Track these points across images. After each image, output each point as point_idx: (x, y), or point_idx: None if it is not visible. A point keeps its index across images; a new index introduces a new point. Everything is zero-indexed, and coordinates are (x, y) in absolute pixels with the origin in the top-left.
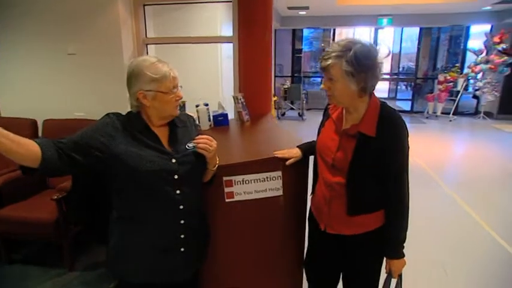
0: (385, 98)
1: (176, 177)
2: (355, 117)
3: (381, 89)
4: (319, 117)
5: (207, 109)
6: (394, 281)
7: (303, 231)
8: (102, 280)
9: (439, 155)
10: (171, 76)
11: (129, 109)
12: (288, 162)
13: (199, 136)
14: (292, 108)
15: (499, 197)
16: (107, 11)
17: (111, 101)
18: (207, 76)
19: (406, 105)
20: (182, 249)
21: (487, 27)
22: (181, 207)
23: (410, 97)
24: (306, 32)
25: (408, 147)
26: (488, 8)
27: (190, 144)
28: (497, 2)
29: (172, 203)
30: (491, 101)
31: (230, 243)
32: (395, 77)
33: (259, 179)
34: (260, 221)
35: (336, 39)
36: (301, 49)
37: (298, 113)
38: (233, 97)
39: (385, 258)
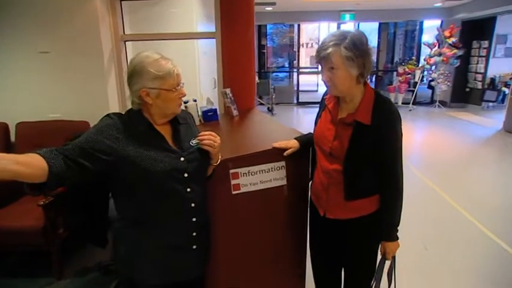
0: None
1: (186, 175)
2: (350, 106)
3: None
4: (288, 111)
5: (196, 105)
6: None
7: (305, 218)
8: (96, 284)
9: (404, 142)
10: (175, 73)
11: (111, 109)
12: (285, 153)
13: (203, 133)
14: (261, 103)
15: (460, 176)
16: (83, 7)
17: (91, 101)
18: (185, 72)
19: None
20: (194, 247)
21: (438, 22)
22: (192, 205)
23: None
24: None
25: (401, 134)
26: (439, 4)
27: (194, 141)
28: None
29: (184, 202)
30: (445, 90)
31: (237, 234)
32: None
33: (264, 170)
34: (266, 211)
35: (301, 34)
36: (265, 45)
37: (268, 108)
38: (221, 92)
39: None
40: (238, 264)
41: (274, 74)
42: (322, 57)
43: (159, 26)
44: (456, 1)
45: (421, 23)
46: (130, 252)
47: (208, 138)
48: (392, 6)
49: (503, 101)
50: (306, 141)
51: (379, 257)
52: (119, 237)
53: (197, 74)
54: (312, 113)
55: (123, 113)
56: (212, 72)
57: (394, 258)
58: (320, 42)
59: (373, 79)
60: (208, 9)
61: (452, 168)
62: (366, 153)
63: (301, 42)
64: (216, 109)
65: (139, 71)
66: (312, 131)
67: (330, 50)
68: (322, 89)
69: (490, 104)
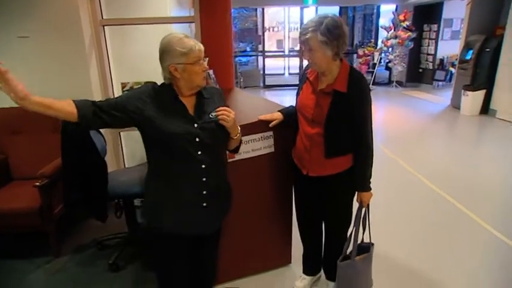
0: None
1: (197, 139)
2: (329, 78)
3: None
4: (255, 94)
5: None
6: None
7: (291, 180)
8: (96, 258)
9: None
10: (197, 49)
11: (94, 94)
12: (271, 125)
13: (219, 108)
14: None
15: (416, 147)
16: None
17: (73, 86)
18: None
19: None
20: (204, 204)
21: (393, 6)
22: (203, 166)
23: None
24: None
25: (371, 101)
26: None
27: (213, 114)
28: None
29: (195, 162)
30: (401, 71)
31: (234, 198)
32: None
33: (255, 139)
34: (257, 176)
35: (265, 18)
36: None
37: None
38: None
39: (356, 192)
40: (235, 224)
41: (238, 58)
42: (302, 41)
43: (132, 10)
44: None
45: (378, 7)
46: (152, 200)
47: (222, 113)
48: None
49: (450, 79)
50: (289, 113)
51: (354, 209)
52: (146, 186)
53: None
54: (279, 96)
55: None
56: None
57: (368, 207)
58: (301, 28)
59: None
60: None
61: (409, 141)
62: (343, 117)
63: (266, 26)
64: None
65: (167, 49)
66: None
67: (308, 35)
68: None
69: (440, 82)
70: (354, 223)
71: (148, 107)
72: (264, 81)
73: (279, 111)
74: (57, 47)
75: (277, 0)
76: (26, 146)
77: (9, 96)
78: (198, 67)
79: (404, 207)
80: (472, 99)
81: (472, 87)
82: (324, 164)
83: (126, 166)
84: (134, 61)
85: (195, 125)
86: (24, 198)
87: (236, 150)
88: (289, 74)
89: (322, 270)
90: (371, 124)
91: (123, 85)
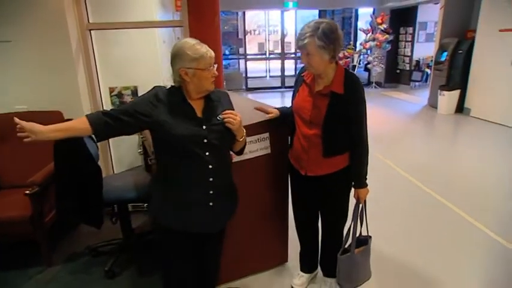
0: (290, 76)
1: (205, 141)
2: (325, 80)
3: (288, 68)
4: (236, 96)
5: None
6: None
7: (286, 180)
8: (90, 266)
9: None
10: (208, 56)
11: (82, 98)
12: (267, 116)
13: (226, 111)
14: None
15: (397, 145)
16: None
17: (61, 91)
18: (147, 60)
19: None
20: (211, 204)
21: (371, 9)
22: (210, 166)
23: None
24: None
25: (365, 101)
26: None
27: (220, 116)
28: None
29: (203, 163)
30: (379, 72)
31: None
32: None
33: (252, 141)
34: (255, 177)
35: (246, 21)
36: None
37: None
38: None
39: (353, 189)
40: (234, 225)
41: None
42: (300, 46)
43: (118, 15)
44: None
45: (356, 11)
46: (160, 202)
47: (228, 115)
48: None
49: (426, 80)
50: (285, 112)
51: (351, 205)
52: (153, 188)
53: (160, 62)
54: (262, 98)
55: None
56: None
57: (364, 203)
58: (298, 33)
59: None
60: None
61: (390, 139)
62: (340, 117)
63: (247, 30)
64: None
65: (180, 54)
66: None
67: (306, 40)
68: (272, 74)
69: (417, 83)
70: (352, 218)
71: (158, 110)
72: (246, 84)
73: (276, 108)
74: (44, 51)
75: (258, 4)
76: (14, 153)
77: (31, 138)
78: (207, 73)
79: (389, 201)
80: (448, 99)
81: (448, 87)
82: (321, 163)
83: (115, 172)
84: (121, 65)
85: (203, 127)
86: (14, 207)
87: (241, 152)
88: (270, 76)
89: (319, 268)
90: (366, 124)
91: (111, 90)
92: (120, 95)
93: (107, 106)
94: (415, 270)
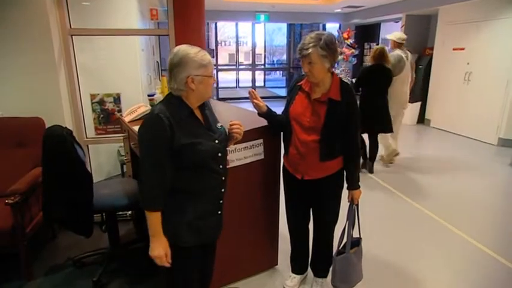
0: (259, 87)
1: (220, 155)
2: (322, 89)
3: (258, 79)
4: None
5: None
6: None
7: (278, 185)
8: (74, 278)
9: None
10: (212, 63)
11: (64, 105)
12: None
13: (233, 122)
14: None
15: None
16: None
17: (42, 97)
18: (128, 68)
19: (281, 92)
20: (219, 212)
21: (337, 25)
22: (223, 178)
23: (284, 84)
24: None
25: (358, 108)
26: (339, 10)
27: (219, 125)
28: (345, 6)
29: (218, 176)
30: None
31: (227, 204)
32: (271, 66)
33: (247, 147)
34: (249, 182)
35: (218, 32)
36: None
37: None
38: None
39: (347, 192)
40: (226, 229)
41: None
42: (304, 55)
43: (97, 21)
44: (351, 8)
45: (324, 26)
46: (176, 221)
47: (237, 127)
48: (300, 10)
49: None
50: (272, 112)
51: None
52: (167, 204)
53: (139, 70)
54: None
55: (160, 99)
56: (148, 69)
57: (357, 206)
58: (301, 43)
59: (286, 75)
60: (141, 5)
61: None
62: (337, 123)
63: (218, 40)
64: None
65: (186, 61)
66: None
67: (310, 50)
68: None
69: None
70: (347, 218)
71: (175, 139)
72: (217, 94)
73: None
74: (24, 57)
75: (230, 16)
76: None
77: None
78: (212, 80)
79: (363, 204)
80: (411, 111)
81: (410, 99)
82: (318, 167)
83: (94, 181)
84: (103, 72)
85: (216, 141)
86: None
87: None
88: (239, 87)
89: (309, 268)
90: (359, 130)
91: (93, 96)
92: (101, 102)
93: (88, 113)
94: (400, 270)
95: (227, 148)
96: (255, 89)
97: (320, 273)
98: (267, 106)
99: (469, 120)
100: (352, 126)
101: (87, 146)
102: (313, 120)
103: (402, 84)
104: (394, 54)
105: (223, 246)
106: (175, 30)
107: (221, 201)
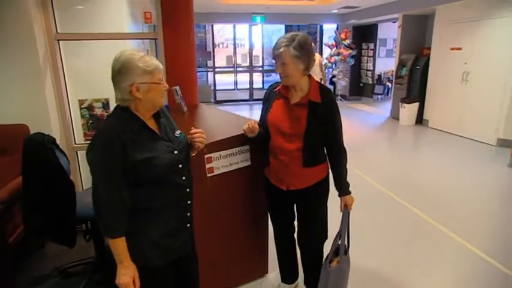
0: (257, 89)
1: (180, 166)
2: (300, 93)
3: (256, 81)
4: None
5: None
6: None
7: (263, 191)
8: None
9: None
10: (160, 68)
11: (50, 111)
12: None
13: (194, 130)
14: None
15: (363, 154)
16: (12, 1)
17: (27, 103)
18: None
19: None
20: (188, 225)
21: (334, 26)
22: (187, 190)
23: None
24: None
25: (339, 110)
26: (336, 11)
27: (177, 132)
28: (341, 7)
29: (181, 188)
30: (344, 86)
31: (213, 213)
32: (270, 68)
33: (233, 153)
34: (235, 189)
35: (215, 34)
36: None
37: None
38: (172, 90)
39: (339, 200)
40: (214, 238)
41: None
42: (276, 55)
43: (86, 25)
44: (348, 9)
45: (321, 26)
46: (141, 242)
47: (199, 135)
48: (297, 11)
49: (388, 93)
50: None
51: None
52: (131, 228)
53: None
54: (231, 111)
55: (109, 113)
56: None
57: (348, 214)
58: (274, 43)
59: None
60: (133, 8)
61: (357, 149)
62: (320, 127)
63: (216, 43)
64: (168, 106)
65: (128, 67)
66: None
67: (281, 49)
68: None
69: (379, 96)
70: (341, 225)
71: (128, 155)
72: (215, 97)
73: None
74: (8, 62)
75: (226, 18)
76: None
77: None
78: (161, 87)
79: (357, 207)
80: (408, 111)
81: (408, 100)
82: (302, 175)
83: (85, 187)
84: (91, 77)
85: (175, 152)
86: None
87: None
88: (238, 89)
89: (300, 278)
90: (342, 131)
91: (81, 102)
92: (90, 107)
93: (77, 119)
94: (393, 275)
95: (192, 155)
96: (252, 92)
97: (310, 284)
98: (258, 125)
99: (467, 120)
100: (335, 128)
101: (76, 152)
102: (294, 126)
103: None
104: None
105: (211, 255)
106: (164, 34)
107: (189, 214)
